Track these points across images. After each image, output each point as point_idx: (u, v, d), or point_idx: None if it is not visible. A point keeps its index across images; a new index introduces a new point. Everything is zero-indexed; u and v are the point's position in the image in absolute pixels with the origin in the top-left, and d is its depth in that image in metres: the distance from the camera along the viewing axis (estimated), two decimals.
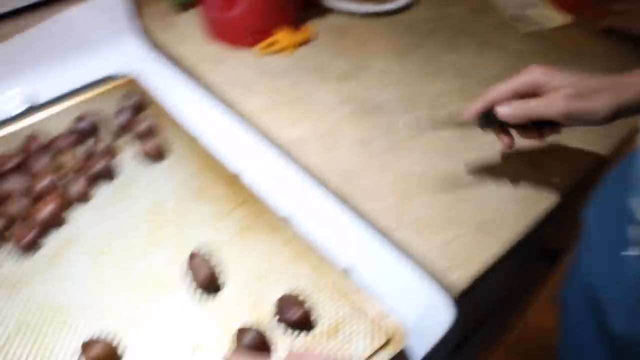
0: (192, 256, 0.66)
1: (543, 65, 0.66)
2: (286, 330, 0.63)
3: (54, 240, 0.73)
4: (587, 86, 0.62)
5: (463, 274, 0.69)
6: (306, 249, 0.70)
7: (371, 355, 0.61)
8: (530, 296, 1.39)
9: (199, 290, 0.66)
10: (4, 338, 0.63)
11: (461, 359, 1.04)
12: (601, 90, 0.62)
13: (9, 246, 0.72)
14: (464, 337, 0.91)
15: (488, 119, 0.69)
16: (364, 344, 0.61)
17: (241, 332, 0.60)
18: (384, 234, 0.75)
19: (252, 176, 0.79)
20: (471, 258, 0.71)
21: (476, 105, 0.70)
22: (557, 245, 1.09)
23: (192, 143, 0.85)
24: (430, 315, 0.67)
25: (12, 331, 0.64)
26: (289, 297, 0.64)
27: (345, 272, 0.67)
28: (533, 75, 0.65)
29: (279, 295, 0.64)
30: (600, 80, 0.63)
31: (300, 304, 0.63)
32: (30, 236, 0.71)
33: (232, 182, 0.78)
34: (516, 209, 0.77)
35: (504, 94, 0.67)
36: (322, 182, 0.81)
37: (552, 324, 1.72)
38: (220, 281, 0.67)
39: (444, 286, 0.69)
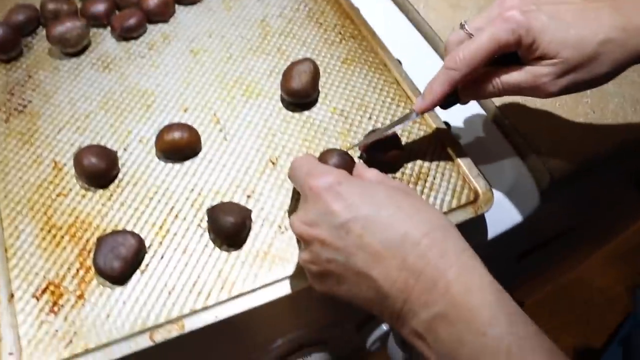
0: (293, 64, 0.61)
1: (520, 4, 0.47)
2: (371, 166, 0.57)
3: (155, 31, 0.70)
4: (582, 52, 0.46)
5: (556, 167, 0.61)
6: (413, 95, 0.63)
7: (453, 210, 0.54)
8: (593, 246, 1.28)
9: (290, 98, 0.61)
10: (88, 111, 0.62)
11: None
12: (601, 54, 0.46)
13: (111, 28, 0.69)
14: (527, 249, 0.83)
15: (454, 97, 0.53)
16: (449, 197, 0.55)
17: (327, 152, 0.55)
18: (486, 107, 0.67)
19: (368, 17, 0.72)
20: (569, 152, 0.62)
21: (442, 88, 0.50)
22: None
23: None
24: (515, 196, 0.61)
25: (97, 106, 0.62)
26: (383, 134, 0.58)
27: (447, 125, 0.61)
28: (510, 27, 0.46)
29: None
30: (600, 22, 0.46)
31: (394, 142, 0.57)
32: (133, 21, 0.68)
33: (350, 14, 0.71)
34: (631, 117, 0.66)
35: (474, 66, 0.48)
36: (438, 38, 0.73)
37: (604, 284, 1.61)
38: (313, 97, 0.62)
39: (534, 173, 0.63)
